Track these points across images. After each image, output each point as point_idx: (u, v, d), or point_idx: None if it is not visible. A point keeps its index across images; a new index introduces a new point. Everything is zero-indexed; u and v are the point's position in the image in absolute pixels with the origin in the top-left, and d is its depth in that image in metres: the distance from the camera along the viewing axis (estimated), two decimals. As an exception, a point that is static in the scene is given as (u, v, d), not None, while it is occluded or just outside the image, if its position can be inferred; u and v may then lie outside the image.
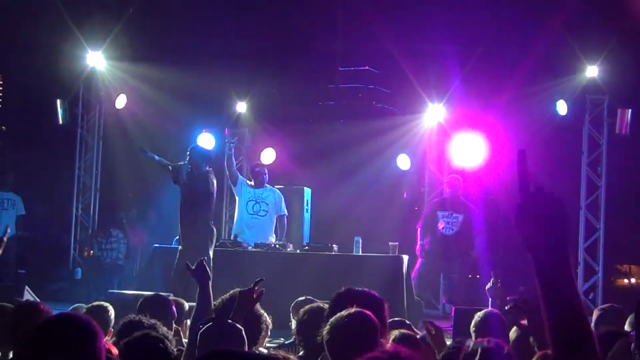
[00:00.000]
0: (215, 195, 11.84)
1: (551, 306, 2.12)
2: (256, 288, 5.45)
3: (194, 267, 5.88)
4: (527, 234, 2.13)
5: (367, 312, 4.48)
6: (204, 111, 15.07)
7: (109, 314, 6.50)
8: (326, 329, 4.40)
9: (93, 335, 3.30)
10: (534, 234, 2.12)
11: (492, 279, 7.37)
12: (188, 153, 11.82)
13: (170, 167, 11.93)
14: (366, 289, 5.05)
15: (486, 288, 7.11)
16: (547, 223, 2.12)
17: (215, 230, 11.64)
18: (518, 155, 2.20)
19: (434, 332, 5.53)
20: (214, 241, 11.62)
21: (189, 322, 6.33)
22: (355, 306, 4.48)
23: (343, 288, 5.07)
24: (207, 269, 5.86)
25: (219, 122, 15.16)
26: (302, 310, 5.82)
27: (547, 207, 2.14)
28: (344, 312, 4.42)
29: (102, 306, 6.62)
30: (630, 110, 13.74)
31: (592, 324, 6.21)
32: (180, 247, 11.63)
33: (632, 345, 4.04)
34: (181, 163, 11.86)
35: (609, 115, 14.35)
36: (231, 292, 5.94)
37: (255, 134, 15.87)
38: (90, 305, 6.82)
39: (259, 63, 14.65)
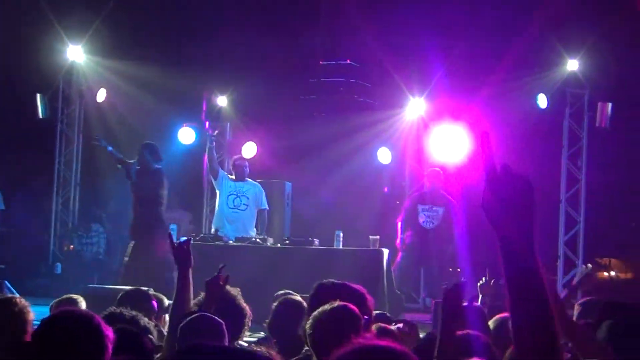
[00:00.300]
0: (166, 193, 11.92)
1: (512, 280, 2.14)
2: (221, 275, 5.44)
3: (177, 245, 5.78)
4: (493, 212, 2.15)
5: (351, 305, 4.48)
6: (185, 105, 15.05)
7: (80, 306, 6.47)
8: (309, 322, 4.39)
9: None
10: (500, 212, 2.14)
11: (484, 276, 7.38)
12: (138, 151, 11.91)
13: (121, 163, 12.03)
14: (346, 282, 5.05)
15: (478, 284, 7.11)
16: (513, 201, 2.14)
17: (167, 226, 11.72)
18: (482, 136, 2.21)
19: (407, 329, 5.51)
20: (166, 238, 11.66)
21: (167, 317, 6.31)
22: (337, 299, 4.48)
23: (324, 280, 5.05)
24: (190, 253, 5.76)
25: (200, 116, 15.13)
26: (276, 304, 5.82)
27: (514, 185, 2.15)
28: (327, 306, 4.41)
29: (72, 299, 6.59)
30: (610, 103, 13.78)
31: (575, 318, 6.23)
32: (131, 244, 11.74)
33: None
34: (132, 161, 11.94)
35: (589, 109, 14.38)
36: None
37: (237, 128, 15.84)
38: (60, 298, 6.78)
39: (240, 57, 14.62)
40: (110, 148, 12.08)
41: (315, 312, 4.42)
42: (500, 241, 2.15)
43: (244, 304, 5.86)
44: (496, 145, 2.20)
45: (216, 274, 5.46)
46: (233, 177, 12.60)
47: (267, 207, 12.65)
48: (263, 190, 12.62)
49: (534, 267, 2.13)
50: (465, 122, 14.47)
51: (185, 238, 11.66)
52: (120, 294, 6.63)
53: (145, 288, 7.93)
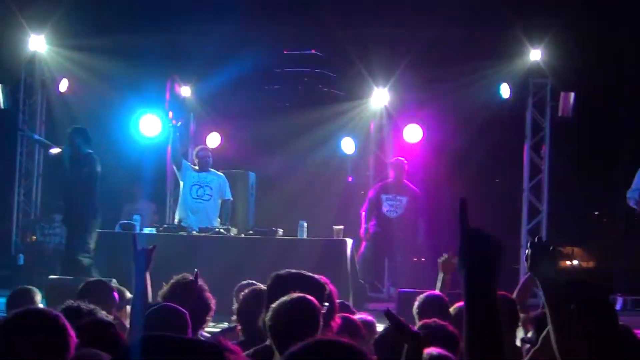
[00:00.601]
0: (98, 177, 11.88)
1: (473, 319, 2.48)
2: (196, 280, 5.51)
3: (139, 248, 5.81)
4: (465, 264, 2.50)
5: (308, 296, 4.47)
6: (148, 95, 14.94)
7: (35, 298, 6.43)
8: (268, 314, 4.38)
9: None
10: (471, 265, 2.50)
11: (445, 254, 7.40)
12: (68, 136, 11.88)
13: (51, 149, 12.02)
14: (304, 272, 5.04)
15: (439, 261, 7.14)
16: (483, 258, 2.50)
17: (99, 212, 11.73)
18: (460, 204, 2.55)
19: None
20: (98, 224, 11.75)
21: (129, 308, 6.30)
22: (295, 290, 4.47)
23: (281, 270, 5.04)
24: (151, 260, 5.79)
25: (163, 106, 15.04)
26: (241, 294, 5.82)
27: (485, 245, 2.52)
28: (286, 298, 4.40)
29: (27, 290, 6.55)
30: (573, 93, 13.85)
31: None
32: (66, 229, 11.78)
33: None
34: (63, 146, 11.91)
35: (552, 99, 14.45)
36: (178, 278, 5.93)
37: (200, 118, 15.77)
38: (15, 290, 6.73)
39: (203, 46, 14.54)
40: (36, 136, 12.10)
41: (274, 304, 4.40)
42: (467, 281, 2.50)
43: (208, 295, 5.87)
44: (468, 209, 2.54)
45: (191, 279, 5.51)
46: (196, 167, 12.56)
47: (231, 198, 12.64)
48: (227, 181, 12.60)
49: (493, 306, 2.49)
50: (430, 112, 14.53)
51: (150, 229, 11.72)
52: (80, 286, 6.58)
53: (107, 279, 7.89)
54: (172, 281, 5.87)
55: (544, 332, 4.23)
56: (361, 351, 2.15)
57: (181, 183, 12.65)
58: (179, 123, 12.75)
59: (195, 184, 12.44)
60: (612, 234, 17.67)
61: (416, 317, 6.17)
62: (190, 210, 12.44)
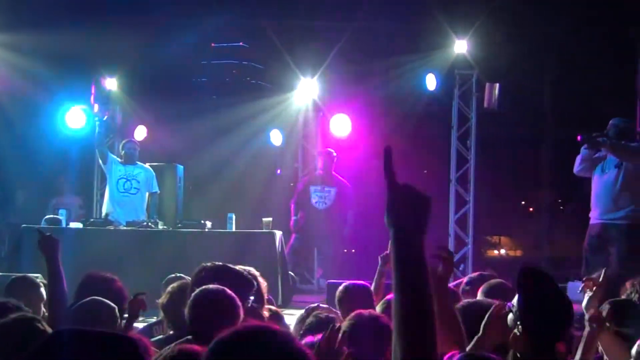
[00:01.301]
0: None
1: (402, 279, 2.40)
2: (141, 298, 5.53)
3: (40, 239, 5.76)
4: (393, 219, 2.43)
5: (227, 289, 4.48)
6: (74, 88, 14.75)
7: None
8: (187, 306, 4.39)
9: None
10: (399, 220, 2.42)
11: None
12: None
13: None
14: (230, 265, 5.06)
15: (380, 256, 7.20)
16: (411, 212, 2.44)
17: None
18: (384, 152, 2.51)
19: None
20: None
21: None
22: (221, 283, 4.49)
23: (203, 264, 5.06)
24: (54, 242, 5.72)
25: (89, 99, 14.87)
26: (167, 289, 5.81)
27: (414, 201, 2.45)
28: (202, 288, 4.41)
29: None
30: (498, 84, 14.00)
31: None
32: None
33: (511, 316, 4.11)
34: None
35: (477, 90, 14.59)
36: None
37: (127, 111, 15.60)
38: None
39: (130, 39, 14.40)
40: None
41: (192, 295, 4.42)
42: (395, 239, 2.42)
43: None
44: (396, 159, 2.51)
45: (137, 296, 5.57)
46: (123, 160, 12.46)
47: (158, 191, 12.57)
48: (154, 174, 12.52)
49: (422, 260, 2.41)
50: (357, 104, 14.58)
51: (76, 224, 11.59)
52: (7, 282, 6.50)
53: (33, 275, 7.79)
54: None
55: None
56: (290, 336, 2.15)
57: (107, 179, 12.54)
58: (105, 117, 12.62)
59: (122, 178, 12.34)
60: (538, 224, 17.97)
61: (337, 305, 6.20)
62: (118, 204, 12.34)
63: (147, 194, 12.46)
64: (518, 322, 4.01)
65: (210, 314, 4.27)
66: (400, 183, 2.46)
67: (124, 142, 12.97)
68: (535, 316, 3.99)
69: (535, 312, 4.00)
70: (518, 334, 3.99)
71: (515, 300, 4.10)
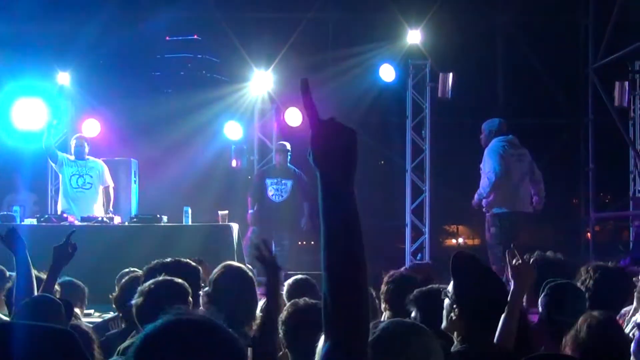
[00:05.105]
0: None
1: (329, 216, 2.25)
2: (70, 241, 5.47)
3: (4, 235, 5.74)
4: (319, 155, 2.26)
5: (176, 279, 4.51)
6: (26, 83, 14.61)
7: None
8: (136, 297, 4.41)
9: None
10: (325, 156, 2.26)
11: None
12: None
13: None
14: (180, 260, 5.12)
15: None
16: (338, 147, 2.27)
17: None
18: (301, 85, 2.33)
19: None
20: None
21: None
22: (168, 275, 4.52)
23: (154, 261, 5.09)
24: (19, 235, 5.69)
25: (42, 94, 14.75)
26: (120, 283, 5.81)
27: (338, 133, 2.28)
28: (151, 280, 4.44)
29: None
30: (451, 73, 14.10)
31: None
32: None
33: (447, 301, 4.17)
34: None
35: (431, 80, 14.67)
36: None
37: (79, 106, 15.48)
38: None
39: (83, 33, 14.31)
40: None
41: (141, 286, 4.45)
42: (322, 179, 2.26)
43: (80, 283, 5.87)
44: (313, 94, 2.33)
45: (64, 240, 5.62)
46: (73, 157, 12.37)
47: (112, 184, 12.50)
48: (106, 167, 12.45)
49: (351, 204, 2.26)
50: (312, 95, 14.58)
51: (30, 220, 11.49)
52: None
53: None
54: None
55: None
56: (221, 327, 2.11)
57: (60, 177, 12.45)
58: (55, 122, 12.52)
59: (75, 174, 12.26)
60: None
61: (286, 301, 6.24)
62: (72, 200, 12.25)
63: (100, 188, 12.38)
64: (454, 306, 4.09)
65: (157, 303, 4.28)
66: (324, 118, 2.29)
67: (73, 138, 12.86)
68: (470, 299, 4.07)
69: (470, 295, 4.08)
70: (454, 317, 4.08)
71: (450, 286, 4.18)
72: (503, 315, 4.15)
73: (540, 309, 5.03)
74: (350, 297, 2.24)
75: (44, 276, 5.64)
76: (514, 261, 4.41)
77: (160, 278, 4.50)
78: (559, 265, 6.08)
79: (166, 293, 4.42)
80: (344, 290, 2.23)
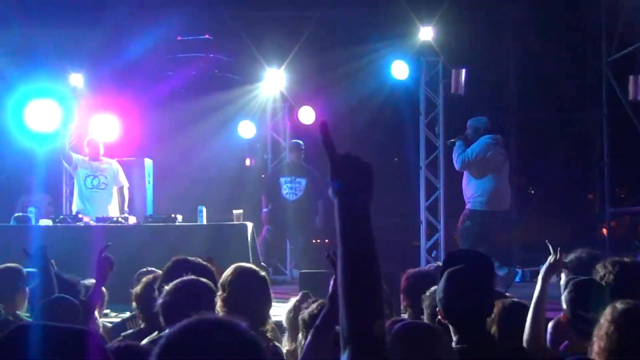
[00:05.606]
0: None
1: (347, 245, 2.43)
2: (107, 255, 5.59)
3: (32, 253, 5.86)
4: (338, 185, 2.47)
5: (202, 279, 4.52)
6: (39, 83, 14.65)
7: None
8: (162, 295, 4.41)
9: None
10: (345, 185, 2.47)
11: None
12: None
13: None
14: (198, 260, 5.14)
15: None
16: (356, 177, 2.48)
17: None
18: (321, 127, 2.53)
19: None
20: None
21: (27, 289, 6.29)
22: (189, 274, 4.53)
23: (173, 259, 5.10)
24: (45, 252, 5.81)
25: (56, 95, 14.79)
26: (140, 282, 5.81)
27: (357, 167, 2.50)
28: (178, 279, 4.44)
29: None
30: (464, 70, 14.06)
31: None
32: None
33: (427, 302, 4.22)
34: None
35: (444, 76, 14.64)
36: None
37: (93, 107, 15.51)
38: None
39: (96, 34, 14.33)
40: None
41: (167, 286, 4.45)
42: (342, 205, 2.46)
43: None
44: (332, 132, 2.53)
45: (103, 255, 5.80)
46: (87, 158, 12.40)
47: (127, 184, 12.53)
48: (120, 167, 12.48)
49: (369, 228, 2.45)
50: (323, 93, 14.62)
51: (46, 221, 11.51)
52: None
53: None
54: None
55: None
56: (245, 329, 2.14)
57: (75, 178, 12.48)
58: (69, 125, 12.54)
59: (89, 175, 12.29)
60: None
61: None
62: (87, 201, 12.29)
63: (115, 188, 12.40)
64: (438, 309, 4.12)
65: (187, 302, 4.29)
66: (341, 153, 2.51)
67: (87, 139, 12.89)
68: (453, 310, 4.08)
69: (454, 307, 4.08)
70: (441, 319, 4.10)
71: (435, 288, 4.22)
72: (530, 312, 4.18)
73: (564, 305, 5.02)
74: (367, 312, 2.39)
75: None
76: (552, 259, 4.50)
77: (186, 277, 4.50)
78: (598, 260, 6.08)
79: (193, 292, 4.42)
80: (360, 307, 2.38)
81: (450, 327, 4.05)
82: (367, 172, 2.50)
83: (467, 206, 11.54)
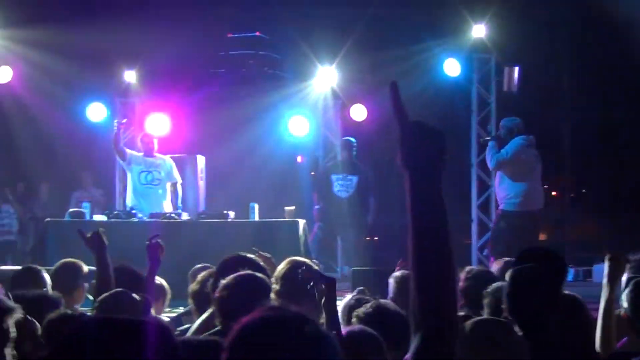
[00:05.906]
0: None
1: (419, 215, 2.31)
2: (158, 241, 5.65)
3: (89, 236, 5.91)
4: (407, 156, 2.31)
5: (258, 274, 4.55)
6: (94, 81, 14.81)
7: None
8: (219, 290, 4.44)
9: None
10: (416, 158, 2.31)
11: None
12: None
13: None
14: (251, 257, 5.17)
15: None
16: (426, 147, 2.33)
17: None
18: (391, 88, 2.36)
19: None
20: None
21: (87, 285, 6.36)
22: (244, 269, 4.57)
23: (230, 254, 5.14)
24: (103, 238, 5.87)
25: (110, 92, 14.94)
26: (196, 278, 5.85)
27: (427, 135, 2.34)
28: (235, 274, 4.47)
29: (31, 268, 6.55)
30: (517, 67, 13.98)
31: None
32: None
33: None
34: None
35: (496, 74, 14.56)
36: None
37: (147, 103, 15.64)
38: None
39: (148, 31, 14.44)
40: None
41: (224, 280, 4.48)
42: (412, 179, 2.31)
43: (162, 280, 5.94)
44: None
45: (153, 241, 5.82)
46: (141, 154, 12.49)
47: (180, 180, 12.59)
48: (173, 163, 12.55)
49: (440, 203, 2.32)
50: (375, 90, 14.58)
51: (100, 217, 11.64)
52: (12, 274, 6.54)
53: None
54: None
55: None
56: (313, 321, 2.11)
57: (128, 173, 12.57)
58: (124, 120, 12.63)
59: (143, 171, 12.37)
60: (560, 207, 17.91)
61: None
62: (141, 196, 12.37)
63: (168, 184, 12.48)
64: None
65: (245, 297, 4.31)
66: (413, 120, 2.34)
67: (141, 134, 13.00)
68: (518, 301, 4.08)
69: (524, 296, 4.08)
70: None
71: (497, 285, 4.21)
72: (600, 316, 4.19)
73: (625, 304, 4.98)
74: (439, 292, 2.28)
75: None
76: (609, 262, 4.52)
77: (243, 272, 4.53)
78: None
79: (250, 287, 4.44)
80: (433, 286, 2.28)
81: (515, 324, 4.04)
82: (439, 141, 2.34)
83: (500, 206, 11.48)
